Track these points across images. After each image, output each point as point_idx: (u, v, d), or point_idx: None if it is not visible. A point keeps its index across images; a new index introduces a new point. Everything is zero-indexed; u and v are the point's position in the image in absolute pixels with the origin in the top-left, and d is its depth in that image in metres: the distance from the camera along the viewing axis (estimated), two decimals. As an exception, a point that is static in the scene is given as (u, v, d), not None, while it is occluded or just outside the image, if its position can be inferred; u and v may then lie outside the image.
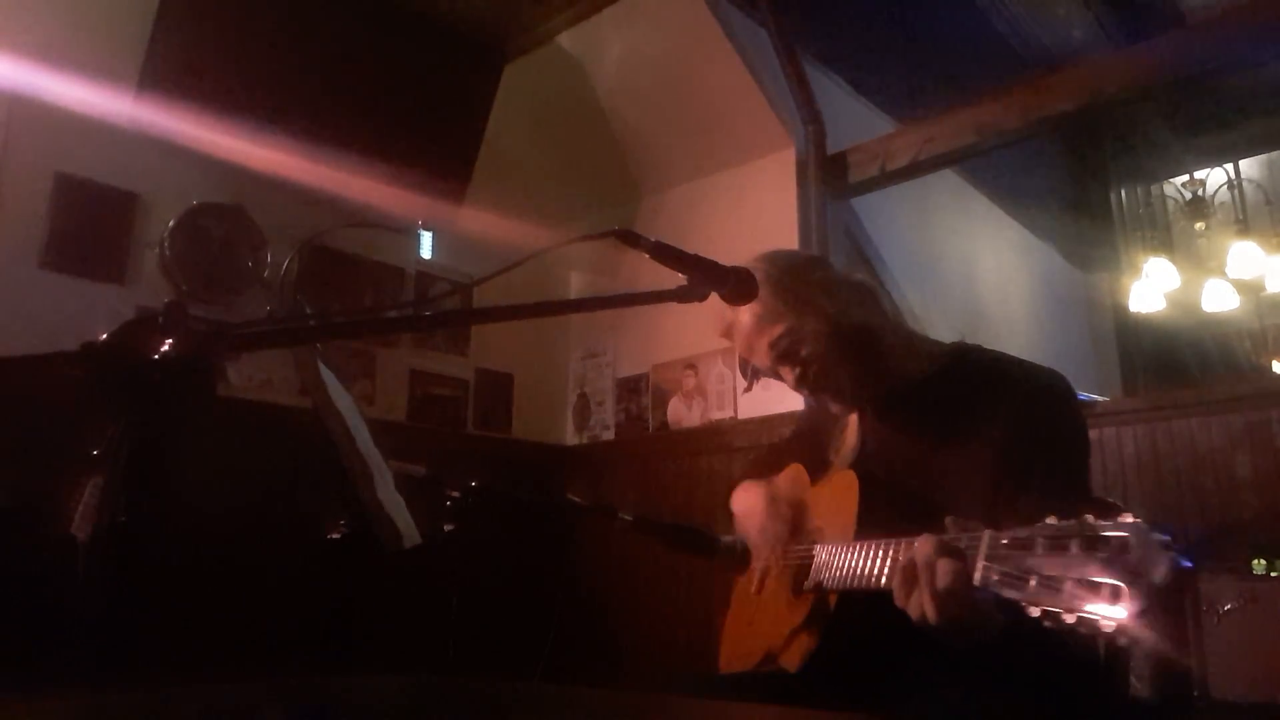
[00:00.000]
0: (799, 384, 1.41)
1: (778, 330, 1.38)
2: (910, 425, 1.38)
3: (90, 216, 2.78)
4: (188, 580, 2.35)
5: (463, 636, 3.18)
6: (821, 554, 1.32)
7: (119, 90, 2.76)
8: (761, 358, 1.42)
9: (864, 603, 1.19)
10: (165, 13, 2.77)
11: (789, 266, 1.43)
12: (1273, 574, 2.41)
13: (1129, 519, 0.80)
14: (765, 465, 1.75)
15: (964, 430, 1.30)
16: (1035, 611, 0.83)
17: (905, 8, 3.64)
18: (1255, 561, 2.47)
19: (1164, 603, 0.76)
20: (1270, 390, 2.92)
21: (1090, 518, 0.83)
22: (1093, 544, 0.81)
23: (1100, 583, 0.79)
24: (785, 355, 1.39)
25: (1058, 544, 0.84)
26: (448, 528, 1.67)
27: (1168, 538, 0.78)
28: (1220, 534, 2.62)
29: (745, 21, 3.49)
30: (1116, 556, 0.78)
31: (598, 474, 3.92)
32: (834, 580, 1.26)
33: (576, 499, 2.01)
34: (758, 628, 1.51)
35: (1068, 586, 0.81)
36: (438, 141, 3.35)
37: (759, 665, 1.43)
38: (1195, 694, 2.18)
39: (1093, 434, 1.78)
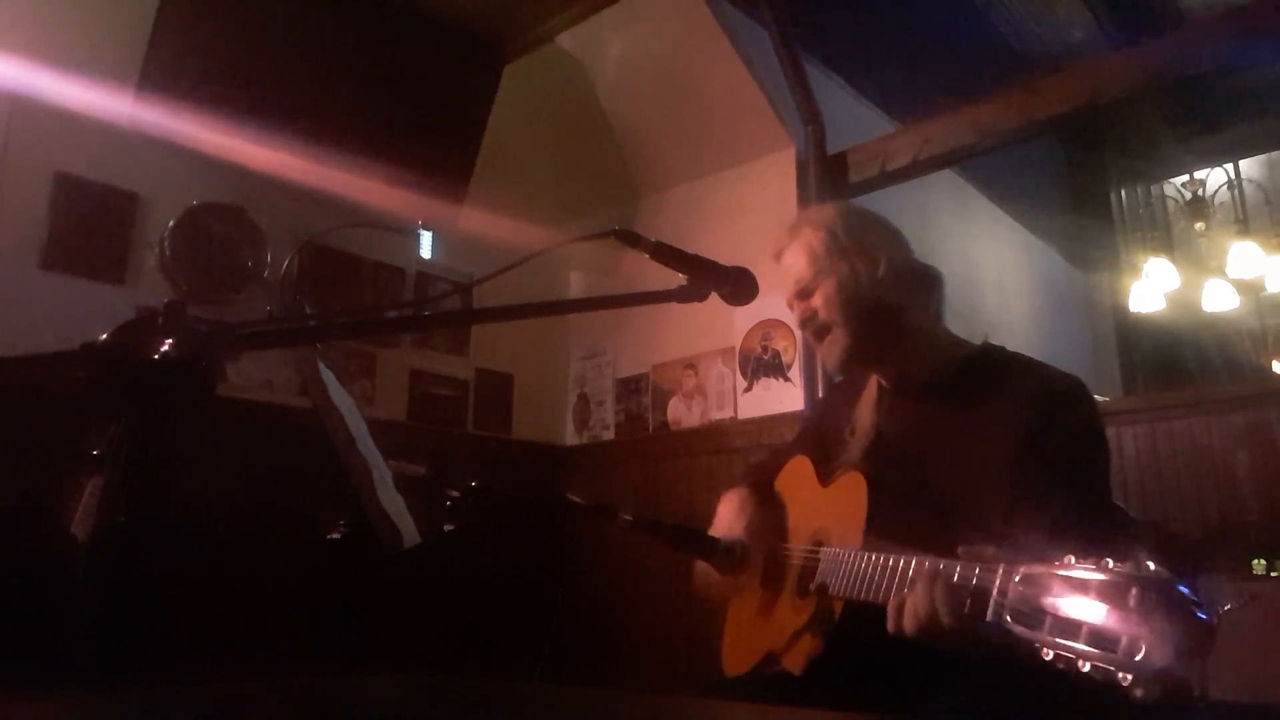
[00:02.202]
0: (801, 325, 1.48)
1: (806, 271, 1.45)
2: (930, 418, 1.39)
3: (90, 216, 2.78)
4: (188, 580, 2.35)
5: (463, 636, 3.19)
6: (828, 557, 1.31)
7: (119, 90, 2.76)
8: (786, 288, 1.50)
9: (869, 609, 1.19)
10: (165, 13, 2.77)
11: (852, 223, 1.48)
12: (1273, 574, 2.41)
13: (1153, 568, 0.77)
14: (765, 470, 1.75)
15: (983, 429, 1.30)
16: (1048, 654, 0.81)
17: (905, 8, 3.64)
18: (1255, 561, 2.47)
19: (1182, 658, 0.73)
20: (1270, 390, 2.92)
21: (1111, 563, 0.80)
22: (1114, 591, 0.78)
23: (1118, 635, 0.76)
24: (800, 295, 1.47)
25: (1076, 586, 0.81)
26: (448, 528, 1.67)
27: (1191, 593, 0.75)
28: (1220, 534, 2.62)
29: (745, 21, 3.49)
30: (1138, 608, 0.75)
31: (598, 474, 3.91)
32: (839, 587, 1.25)
33: (576, 499, 2.01)
34: (759, 626, 1.50)
35: (1084, 633, 0.78)
36: (438, 141, 3.35)
37: (760, 665, 1.42)
38: (1195, 694, 2.17)
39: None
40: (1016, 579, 0.89)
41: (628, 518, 1.62)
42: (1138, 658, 0.74)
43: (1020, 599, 0.87)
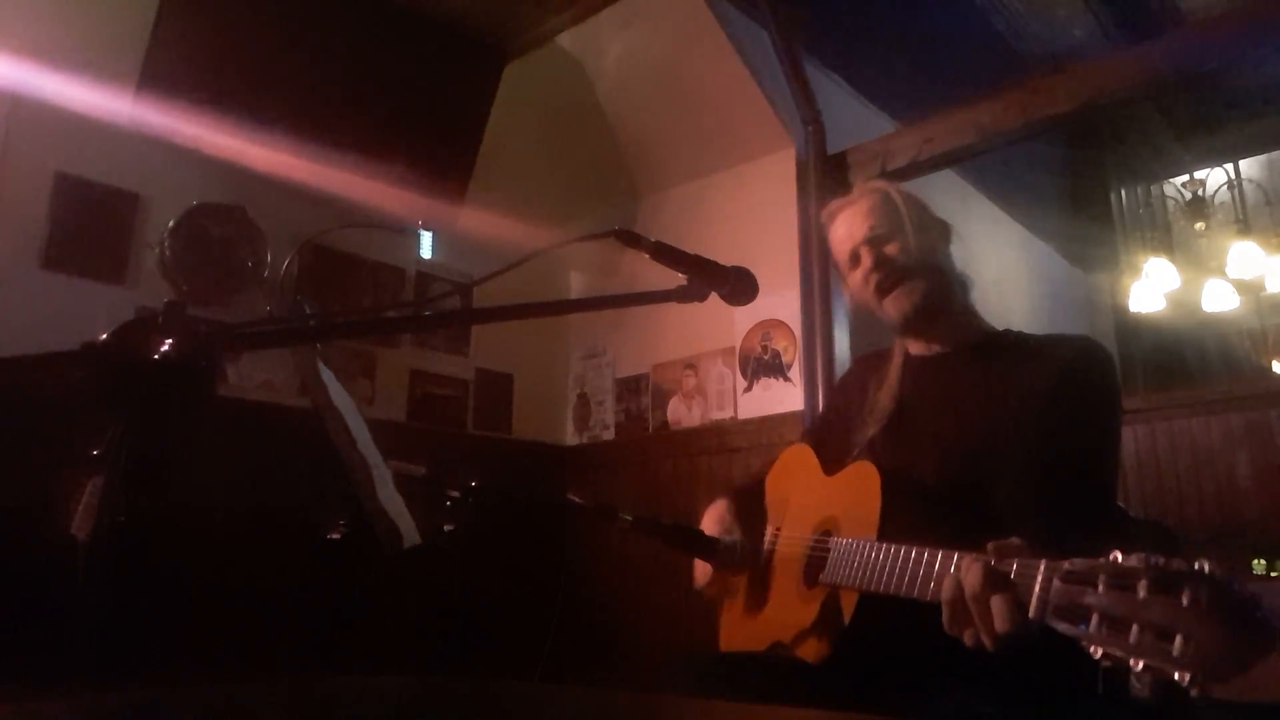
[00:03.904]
0: (870, 271, 1.49)
1: (884, 223, 1.50)
2: (958, 381, 1.43)
3: (90, 216, 2.78)
4: (188, 580, 2.35)
5: (463, 636, 3.19)
6: (839, 548, 1.30)
7: (119, 90, 2.76)
8: (850, 237, 1.52)
9: (882, 603, 1.17)
10: (165, 13, 2.77)
11: (926, 205, 1.57)
12: (1273, 574, 2.42)
13: (1207, 567, 0.74)
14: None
15: (1007, 390, 1.36)
16: (1097, 652, 0.78)
17: (905, 8, 3.63)
18: (1255, 561, 2.47)
19: (1243, 659, 0.70)
20: (1270, 390, 2.92)
21: (1161, 559, 0.77)
22: (1166, 586, 0.75)
23: (1173, 633, 0.73)
24: (873, 242, 1.49)
25: (1123, 582, 0.78)
26: (448, 528, 1.67)
27: (1250, 589, 0.72)
28: (1220, 534, 2.62)
29: (745, 21, 3.49)
30: (1192, 606, 0.73)
31: (598, 474, 3.91)
32: (853, 579, 1.22)
33: (576, 499, 2.01)
34: (765, 614, 1.50)
35: (1134, 631, 0.76)
36: (438, 141, 3.35)
37: (765, 654, 1.42)
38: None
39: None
40: (1059, 576, 0.86)
41: (628, 518, 1.62)
42: (1196, 656, 0.72)
43: (1063, 595, 0.85)
